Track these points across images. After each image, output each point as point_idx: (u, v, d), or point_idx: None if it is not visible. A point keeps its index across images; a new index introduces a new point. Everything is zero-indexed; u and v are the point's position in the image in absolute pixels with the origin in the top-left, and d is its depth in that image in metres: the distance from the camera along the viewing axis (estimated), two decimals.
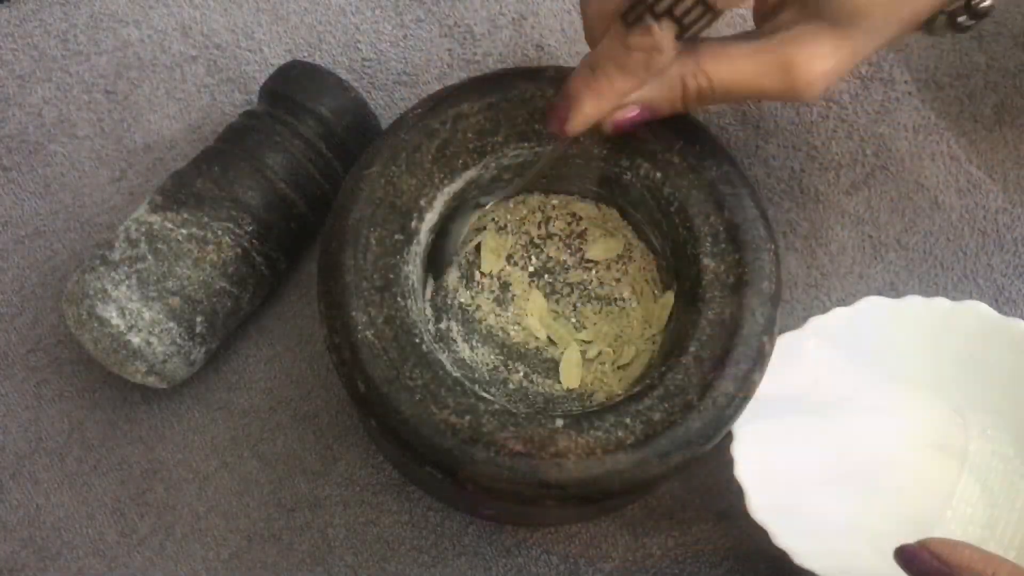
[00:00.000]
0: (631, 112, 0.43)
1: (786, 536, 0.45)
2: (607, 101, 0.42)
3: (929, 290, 0.54)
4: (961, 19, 0.43)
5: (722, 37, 0.43)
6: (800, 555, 0.44)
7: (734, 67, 0.41)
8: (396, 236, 0.45)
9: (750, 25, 0.48)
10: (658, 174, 0.46)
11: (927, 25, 0.44)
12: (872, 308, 0.49)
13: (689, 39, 0.40)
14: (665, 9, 0.39)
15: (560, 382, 0.49)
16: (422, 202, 0.45)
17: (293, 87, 0.51)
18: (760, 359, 0.44)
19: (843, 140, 0.56)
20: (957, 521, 0.49)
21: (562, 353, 0.49)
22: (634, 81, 0.42)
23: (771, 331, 0.44)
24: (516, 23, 0.58)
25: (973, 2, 0.42)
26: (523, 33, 0.58)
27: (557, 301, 0.50)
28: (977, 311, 0.49)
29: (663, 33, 0.39)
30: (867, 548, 0.48)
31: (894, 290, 0.54)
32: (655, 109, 0.43)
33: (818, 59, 0.41)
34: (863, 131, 0.56)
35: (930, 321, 0.49)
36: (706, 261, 0.45)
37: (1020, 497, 0.49)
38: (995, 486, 0.49)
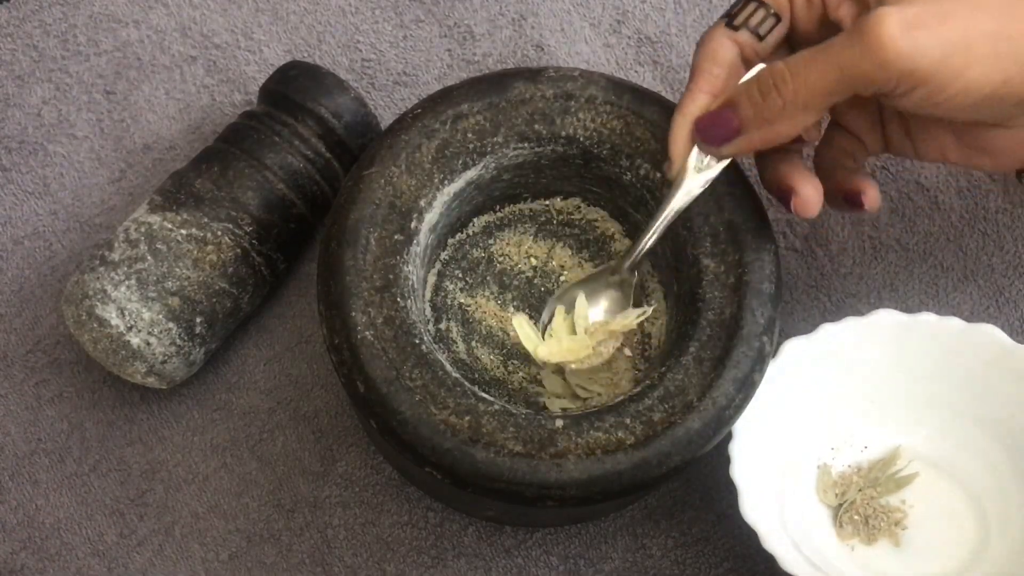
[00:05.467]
0: (710, 112, 0.42)
1: (775, 540, 0.45)
2: (688, 107, 0.43)
3: (929, 290, 0.54)
4: None
5: None
6: (787, 561, 0.44)
7: (805, 52, 0.40)
8: (396, 236, 0.45)
9: None
10: (658, 174, 0.46)
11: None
12: (884, 321, 0.49)
13: (752, 35, 0.43)
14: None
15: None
16: (422, 202, 0.45)
17: (293, 87, 0.51)
18: (760, 360, 0.44)
19: None
20: (948, 542, 0.49)
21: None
22: (702, 78, 0.43)
23: (771, 331, 0.44)
24: (516, 23, 0.58)
25: None
26: (523, 33, 0.58)
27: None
28: (989, 335, 0.48)
29: (713, 27, 0.43)
30: (853, 564, 0.48)
31: (894, 291, 0.54)
32: (734, 104, 0.42)
33: (888, 11, 0.37)
34: None
35: (941, 340, 0.49)
36: (706, 261, 0.45)
37: (1012, 524, 0.49)
38: (989, 510, 0.49)
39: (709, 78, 0.42)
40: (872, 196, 0.44)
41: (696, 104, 0.43)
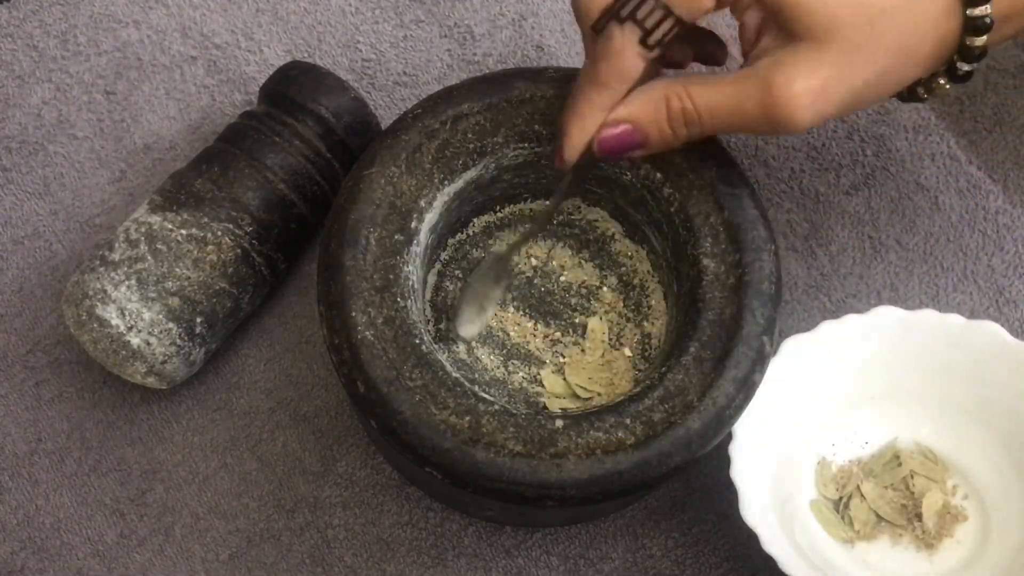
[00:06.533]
0: (616, 129, 0.42)
1: (775, 542, 0.45)
2: (588, 120, 0.42)
3: (929, 290, 0.54)
4: (961, 68, 0.42)
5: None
6: (787, 564, 0.44)
7: (716, 89, 0.41)
8: (396, 236, 0.45)
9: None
10: (658, 174, 0.46)
11: (927, 87, 0.43)
12: (885, 318, 0.49)
13: (660, 51, 0.41)
14: (628, 14, 0.40)
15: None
16: (422, 202, 0.45)
17: (293, 87, 0.51)
18: (760, 360, 0.44)
19: (843, 140, 0.56)
20: (949, 539, 0.49)
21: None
22: (607, 93, 0.42)
23: (771, 331, 0.44)
24: (516, 23, 0.58)
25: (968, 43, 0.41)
26: (523, 33, 0.58)
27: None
28: (990, 332, 0.48)
29: (625, 38, 0.40)
30: (852, 560, 0.48)
31: (894, 291, 0.54)
32: (642, 130, 0.43)
33: (798, 79, 0.40)
34: (863, 131, 0.56)
35: (942, 337, 0.49)
36: (706, 261, 0.45)
37: (1013, 520, 0.49)
38: (989, 506, 0.49)
39: (612, 94, 0.42)
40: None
41: (594, 118, 0.42)
